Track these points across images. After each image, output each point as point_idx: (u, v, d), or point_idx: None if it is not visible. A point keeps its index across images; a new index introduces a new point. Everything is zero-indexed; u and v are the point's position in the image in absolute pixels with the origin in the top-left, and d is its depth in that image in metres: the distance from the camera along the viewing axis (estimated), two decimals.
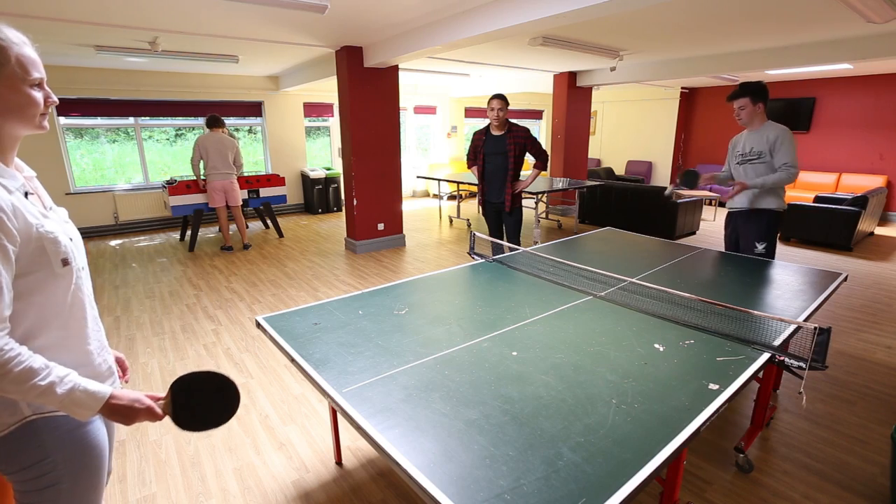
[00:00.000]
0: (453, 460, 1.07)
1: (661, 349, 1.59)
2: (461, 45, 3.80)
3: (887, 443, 2.19)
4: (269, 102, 7.71)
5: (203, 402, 1.02)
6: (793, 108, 8.21)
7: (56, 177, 6.24)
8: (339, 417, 2.05)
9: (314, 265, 5.08)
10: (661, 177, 10.09)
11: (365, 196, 5.45)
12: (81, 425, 1.00)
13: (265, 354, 3.09)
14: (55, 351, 0.97)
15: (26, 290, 0.91)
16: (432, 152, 10.09)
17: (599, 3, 2.64)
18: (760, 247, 2.95)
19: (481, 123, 10.55)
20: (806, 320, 1.80)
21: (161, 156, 7.35)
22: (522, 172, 3.89)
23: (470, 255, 2.80)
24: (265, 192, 6.24)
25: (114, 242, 6.21)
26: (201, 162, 5.29)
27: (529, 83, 8.56)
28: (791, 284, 2.26)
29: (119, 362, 1.27)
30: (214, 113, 7.14)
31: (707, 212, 8.17)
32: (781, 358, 1.54)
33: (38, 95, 0.93)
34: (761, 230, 2.94)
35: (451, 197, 9.42)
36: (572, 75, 7.15)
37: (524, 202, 6.54)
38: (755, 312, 1.77)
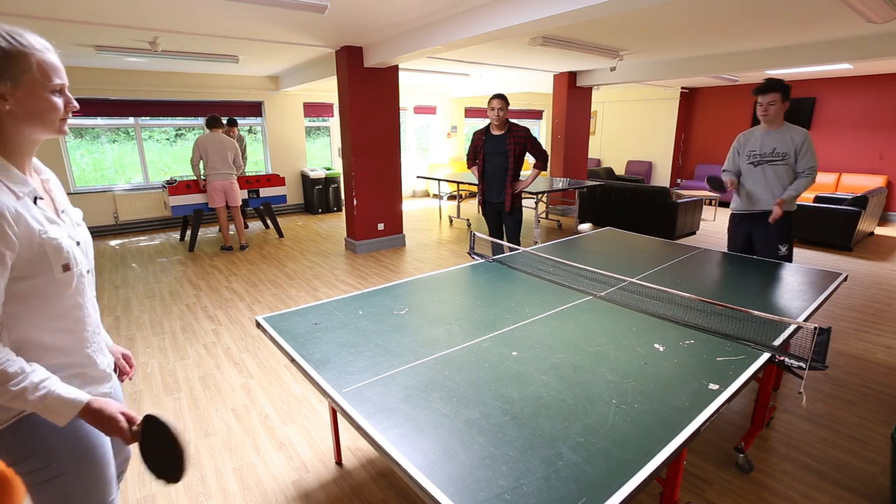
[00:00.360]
0: (453, 460, 1.07)
1: (661, 349, 1.59)
2: (461, 45, 3.80)
3: (887, 443, 2.19)
4: (269, 102, 7.72)
5: (160, 450, 1.00)
6: (793, 108, 8.21)
7: (56, 177, 6.23)
8: (339, 417, 2.05)
9: (314, 265, 5.08)
10: (661, 177, 10.09)
11: (365, 196, 5.45)
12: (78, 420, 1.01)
13: (265, 354, 3.09)
14: (53, 354, 0.98)
15: (25, 294, 0.92)
16: (432, 152, 10.09)
17: (599, 3, 2.64)
18: (784, 249, 2.91)
19: (481, 123, 10.54)
20: (806, 320, 1.80)
21: (161, 156, 7.35)
22: (522, 172, 3.89)
23: (470, 255, 2.80)
24: (265, 192, 6.24)
25: (114, 242, 6.21)
26: (201, 162, 5.29)
27: (529, 83, 8.56)
28: (791, 284, 2.26)
29: (126, 358, 1.29)
30: (214, 113, 7.16)
31: (707, 212, 8.17)
32: (781, 358, 1.54)
33: (58, 101, 0.94)
34: (783, 233, 2.90)
35: (451, 197, 9.42)
36: (572, 75, 7.15)
37: (524, 202, 6.54)
38: (755, 312, 1.77)
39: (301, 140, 8.18)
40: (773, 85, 2.79)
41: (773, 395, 2.57)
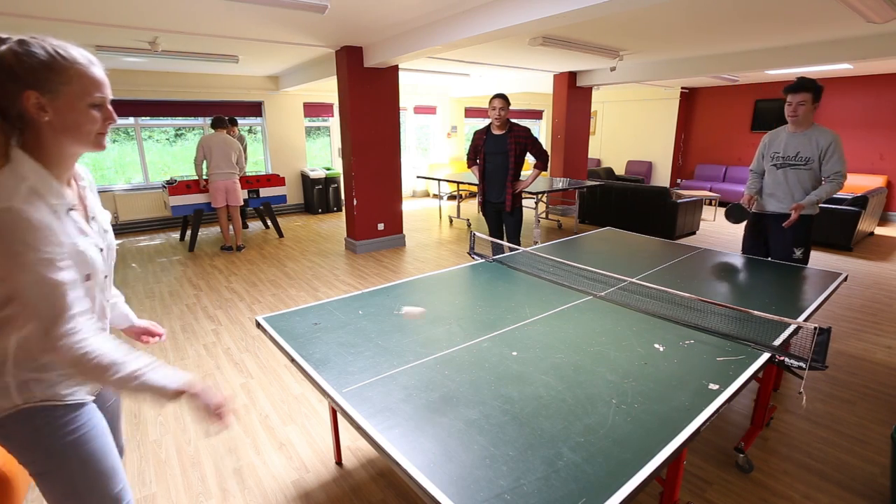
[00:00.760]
0: (453, 460, 1.07)
1: (661, 349, 1.59)
2: (461, 45, 3.80)
3: (887, 443, 2.19)
4: (269, 102, 7.72)
5: None
6: None
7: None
8: (339, 417, 2.05)
9: (314, 265, 5.08)
10: (661, 177, 10.09)
11: (365, 196, 5.45)
12: (74, 411, 1.04)
13: (265, 354, 3.09)
14: None
15: None
16: (432, 152, 10.09)
17: (599, 3, 2.64)
18: (798, 252, 2.83)
19: (481, 123, 10.54)
20: (806, 320, 1.80)
21: (161, 156, 7.35)
22: (523, 173, 3.89)
23: (470, 255, 2.80)
24: (265, 192, 6.24)
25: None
26: (204, 162, 5.29)
27: (529, 83, 8.56)
28: (791, 284, 2.26)
29: (149, 332, 1.37)
30: (215, 113, 7.16)
31: (707, 212, 8.17)
32: (781, 358, 1.54)
33: (96, 115, 0.96)
34: (800, 236, 2.82)
35: (451, 197, 9.42)
36: (572, 75, 7.15)
37: (524, 202, 6.54)
38: (755, 312, 1.77)
39: (301, 140, 8.18)
40: (805, 84, 2.66)
41: (773, 395, 2.57)
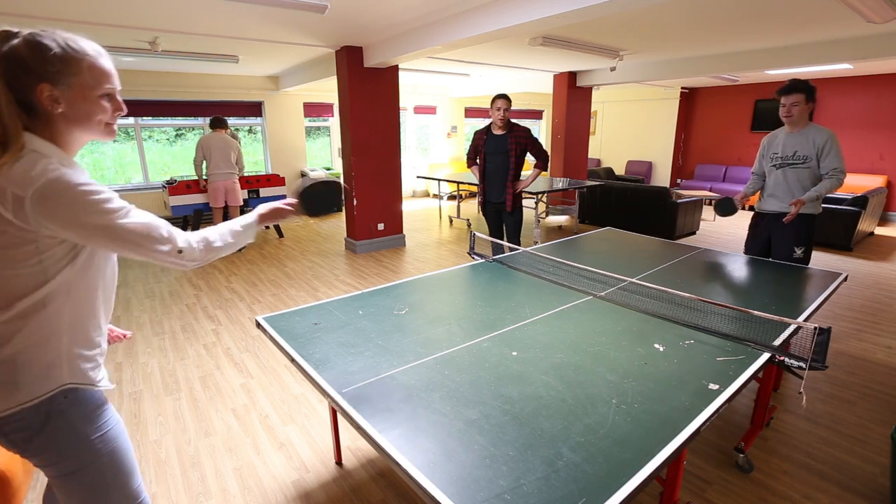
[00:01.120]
0: (453, 460, 1.07)
1: (661, 349, 1.59)
2: (461, 45, 3.80)
3: (887, 443, 2.19)
4: (269, 102, 7.72)
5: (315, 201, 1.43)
6: None
7: None
8: (339, 417, 2.05)
9: (314, 265, 5.08)
10: (661, 177, 10.09)
11: (365, 196, 5.45)
12: (104, 404, 1.06)
13: (265, 354, 3.09)
14: (95, 329, 1.06)
15: (87, 265, 1.00)
16: (432, 152, 10.09)
17: (599, 3, 2.64)
18: (799, 251, 2.84)
19: (481, 123, 10.55)
20: (806, 320, 1.80)
21: (161, 156, 7.35)
22: (523, 173, 3.90)
23: (470, 255, 2.80)
24: (265, 192, 6.24)
25: None
26: (204, 162, 5.29)
27: (529, 83, 8.56)
28: (791, 284, 2.26)
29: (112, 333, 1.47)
30: (215, 113, 7.16)
31: (707, 212, 8.17)
32: (781, 358, 1.54)
33: (106, 105, 0.99)
34: (801, 235, 2.82)
35: (451, 197, 9.42)
36: (572, 75, 7.15)
37: (524, 202, 6.53)
38: (755, 312, 1.77)
39: (301, 140, 8.19)
40: (796, 85, 2.70)
41: (773, 395, 2.57)
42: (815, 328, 1.51)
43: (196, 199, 5.65)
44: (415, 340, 1.67)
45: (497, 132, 3.75)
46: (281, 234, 6.42)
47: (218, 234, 1.15)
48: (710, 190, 8.92)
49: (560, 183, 6.53)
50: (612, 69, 6.56)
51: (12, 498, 1.59)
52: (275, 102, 7.77)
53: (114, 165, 6.92)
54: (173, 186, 5.53)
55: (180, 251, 1.04)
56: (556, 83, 7.31)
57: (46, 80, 0.90)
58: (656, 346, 1.61)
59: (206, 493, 1.92)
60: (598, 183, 6.54)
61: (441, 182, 7.26)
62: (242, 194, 5.90)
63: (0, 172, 0.86)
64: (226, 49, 5.09)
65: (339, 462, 2.09)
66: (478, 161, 3.94)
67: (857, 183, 7.63)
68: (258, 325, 1.83)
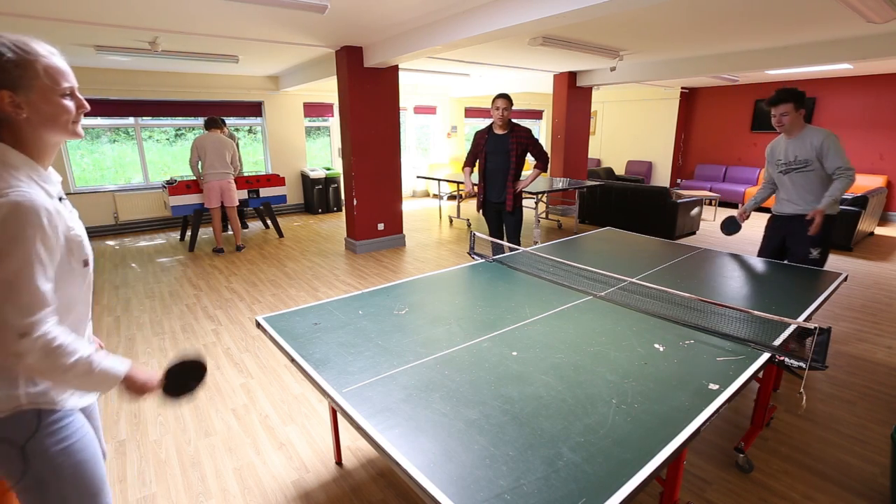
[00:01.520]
0: (453, 460, 1.07)
1: (661, 349, 1.59)
2: (461, 45, 3.80)
3: (887, 443, 2.19)
4: (269, 102, 7.71)
5: (183, 379, 1.16)
6: None
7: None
8: (339, 417, 2.05)
9: (314, 265, 5.08)
10: (661, 177, 10.09)
11: (365, 196, 5.45)
12: (67, 417, 1.02)
13: (265, 354, 3.09)
14: None
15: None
16: (432, 152, 10.09)
17: (599, 3, 2.64)
18: (815, 252, 2.83)
19: (481, 123, 10.55)
20: (806, 320, 1.80)
21: (161, 156, 7.35)
22: (523, 173, 3.90)
23: (470, 255, 2.80)
24: (265, 192, 6.24)
25: (114, 242, 6.21)
26: (199, 162, 5.29)
27: (529, 83, 8.56)
28: (791, 284, 2.26)
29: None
30: (215, 113, 7.17)
31: (707, 212, 8.17)
32: (781, 358, 1.54)
33: (69, 104, 0.97)
34: (817, 235, 2.81)
35: (451, 197, 9.42)
36: (572, 75, 7.15)
37: (524, 202, 6.54)
38: (755, 312, 1.77)
39: (301, 140, 8.18)
40: (782, 96, 2.72)
41: (773, 395, 2.57)
42: (815, 328, 1.51)
43: (196, 199, 5.65)
44: (415, 340, 1.67)
45: (498, 132, 3.76)
46: (281, 234, 6.42)
47: (80, 355, 0.93)
48: (710, 190, 8.92)
49: (560, 183, 6.53)
50: (612, 69, 6.57)
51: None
52: (275, 102, 7.77)
53: (114, 165, 6.92)
54: (173, 186, 5.53)
55: (22, 335, 0.86)
56: (556, 83, 7.31)
57: (5, 88, 0.89)
58: (656, 346, 1.61)
59: (206, 493, 1.92)
60: (597, 183, 6.54)
61: (441, 182, 7.26)
62: (241, 194, 5.91)
63: None
64: (226, 49, 5.09)
65: (339, 462, 2.09)
66: (477, 162, 3.93)
67: (857, 183, 7.63)
68: (258, 325, 1.83)
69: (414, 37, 4.15)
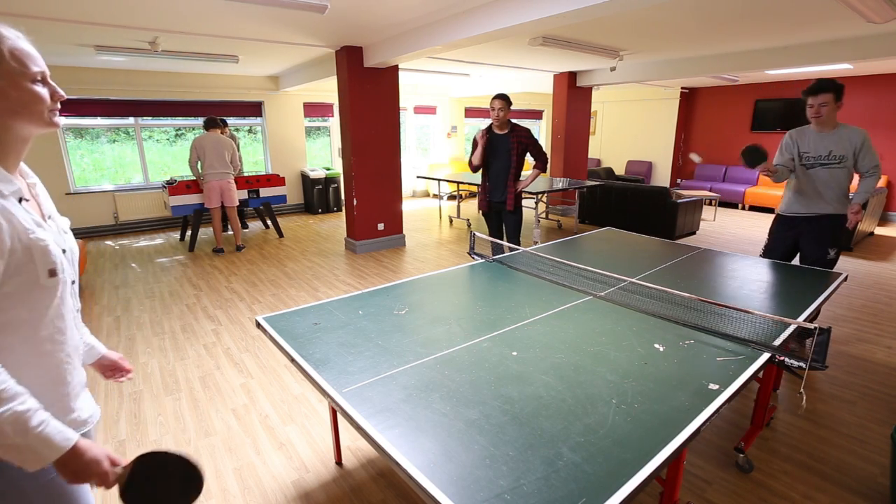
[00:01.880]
0: (453, 460, 1.07)
1: (661, 349, 1.59)
2: (461, 45, 3.80)
3: (887, 443, 2.19)
4: (269, 102, 7.71)
5: (162, 486, 0.90)
6: (793, 108, 8.21)
7: (56, 177, 6.25)
8: (339, 417, 2.05)
9: (314, 265, 5.08)
10: (661, 177, 10.09)
11: (365, 196, 5.45)
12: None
13: (265, 354, 3.09)
14: (27, 379, 0.86)
15: (5, 306, 0.83)
16: (432, 152, 10.09)
17: (599, 3, 2.64)
18: (833, 252, 2.78)
19: (481, 123, 10.55)
20: (806, 320, 1.80)
21: (161, 156, 7.35)
22: (522, 173, 3.90)
23: (470, 255, 2.80)
24: (265, 192, 6.24)
25: (114, 242, 6.21)
26: (199, 162, 5.29)
27: (529, 83, 8.56)
28: (791, 284, 2.26)
29: (117, 367, 1.21)
30: (214, 113, 7.16)
31: (707, 212, 8.17)
32: (781, 358, 1.54)
33: (42, 91, 0.88)
34: (836, 236, 2.77)
35: (451, 197, 9.42)
36: (572, 75, 7.15)
37: (524, 202, 6.54)
38: (755, 312, 1.77)
39: (301, 140, 8.18)
40: (825, 85, 2.61)
41: (773, 395, 2.57)
42: (815, 328, 1.51)
43: (196, 199, 5.65)
44: (415, 340, 1.67)
45: (499, 132, 3.76)
46: (281, 234, 6.42)
47: (13, 404, 0.76)
48: (710, 190, 8.92)
49: (560, 183, 6.53)
50: (612, 69, 6.56)
51: None
52: (275, 102, 7.77)
53: (113, 165, 6.92)
54: (173, 186, 5.53)
55: None
56: (556, 83, 7.31)
57: None
58: (656, 346, 1.61)
59: (206, 493, 1.92)
60: (598, 183, 6.54)
61: (441, 182, 7.26)
62: (241, 194, 5.90)
63: None
64: (226, 49, 5.09)
65: (339, 462, 2.09)
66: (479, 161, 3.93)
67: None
68: (258, 325, 1.83)
69: (414, 37, 4.15)
